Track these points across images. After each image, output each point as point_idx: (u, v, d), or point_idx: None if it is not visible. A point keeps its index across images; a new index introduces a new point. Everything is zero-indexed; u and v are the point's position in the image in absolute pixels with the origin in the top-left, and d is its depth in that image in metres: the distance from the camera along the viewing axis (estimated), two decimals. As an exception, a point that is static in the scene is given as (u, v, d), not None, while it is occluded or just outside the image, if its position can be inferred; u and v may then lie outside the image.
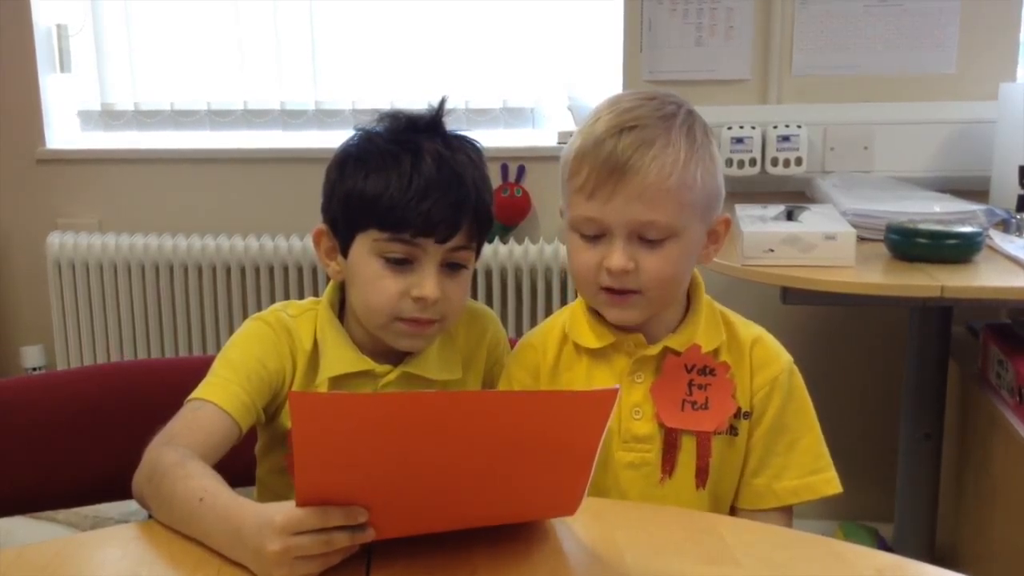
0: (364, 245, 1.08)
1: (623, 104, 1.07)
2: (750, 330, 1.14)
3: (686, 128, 1.05)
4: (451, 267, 1.09)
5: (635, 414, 1.10)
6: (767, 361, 1.12)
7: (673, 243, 1.05)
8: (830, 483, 1.11)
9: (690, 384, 1.09)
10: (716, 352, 1.11)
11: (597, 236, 1.06)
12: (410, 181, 1.04)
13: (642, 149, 1.02)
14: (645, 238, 1.05)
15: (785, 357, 1.13)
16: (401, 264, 1.07)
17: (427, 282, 1.06)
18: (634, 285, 1.06)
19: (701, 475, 1.09)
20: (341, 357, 1.12)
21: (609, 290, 1.07)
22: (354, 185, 1.07)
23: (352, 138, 1.12)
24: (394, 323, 1.08)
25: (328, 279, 1.18)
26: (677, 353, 1.10)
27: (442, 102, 1.11)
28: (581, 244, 1.08)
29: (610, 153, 1.03)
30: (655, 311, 1.09)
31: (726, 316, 1.15)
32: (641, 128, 1.03)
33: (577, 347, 1.14)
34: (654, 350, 1.10)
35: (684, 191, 1.04)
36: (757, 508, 1.11)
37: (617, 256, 1.04)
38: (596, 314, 1.13)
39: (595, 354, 1.13)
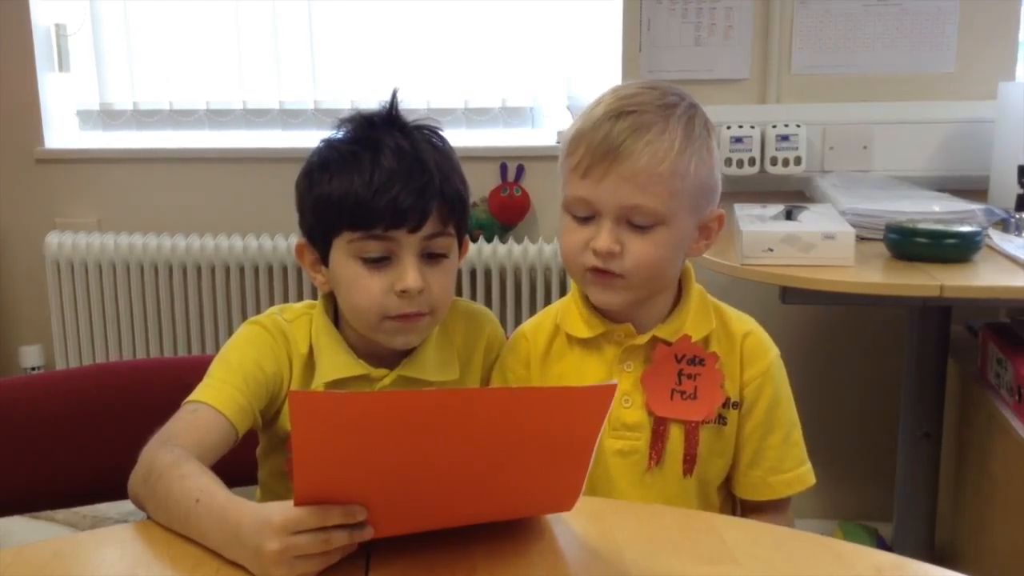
0: (341, 249, 1.08)
1: (624, 91, 1.09)
2: (742, 323, 1.15)
3: (685, 119, 1.06)
4: (431, 257, 1.09)
5: (624, 402, 1.11)
6: (758, 354, 1.13)
7: (661, 230, 1.06)
8: (811, 473, 1.15)
9: (680, 374, 1.10)
10: (706, 341, 1.12)
11: (588, 218, 1.08)
12: (372, 176, 1.05)
13: (638, 133, 1.04)
14: (633, 223, 1.06)
15: (774, 349, 1.15)
16: (379, 262, 1.07)
17: (408, 274, 1.06)
18: (618, 269, 1.07)
19: (688, 463, 1.10)
20: (336, 362, 1.12)
21: (595, 270, 1.08)
22: (321, 191, 1.08)
23: (315, 149, 1.13)
24: (384, 322, 1.08)
25: None
26: (667, 343, 1.11)
27: (394, 94, 1.12)
28: (572, 224, 1.10)
29: (606, 135, 1.05)
30: (638, 297, 1.10)
31: (718, 306, 1.16)
32: (640, 113, 1.05)
33: (569, 338, 1.15)
34: (643, 339, 1.11)
35: (675, 179, 1.05)
36: (755, 499, 1.14)
37: (604, 237, 1.06)
38: (588, 304, 1.14)
39: (586, 344, 1.14)
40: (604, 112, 1.06)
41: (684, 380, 1.10)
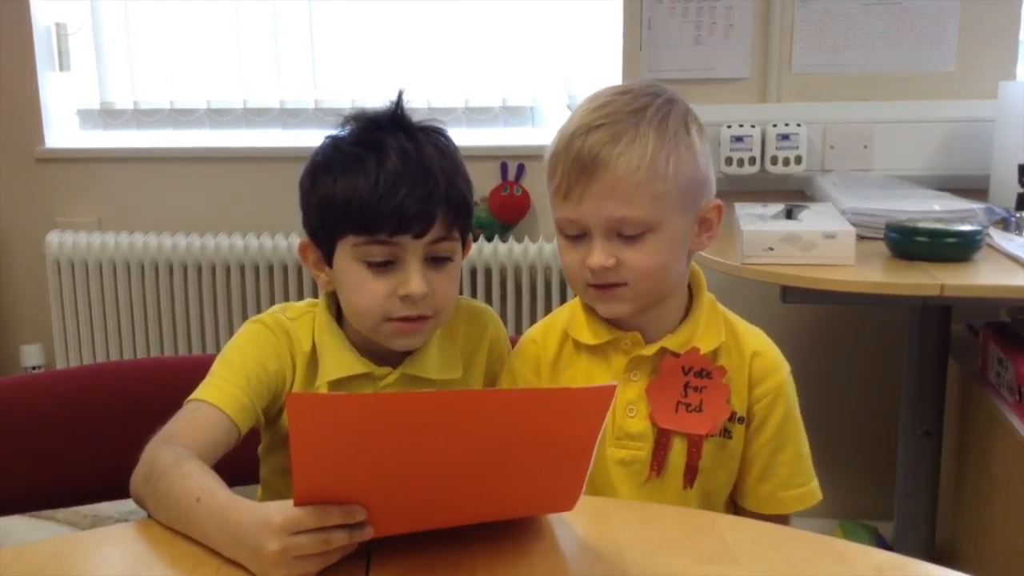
0: (345, 251, 1.08)
1: (596, 101, 1.07)
2: (754, 338, 1.14)
3: (658, 119, 1.05)
4: (435, 261, 1.08)
5: (629, 412, 1.10)
6: (770, 371, 1.12)
7: (652, 237, 1.05)
8: (819, 489, 1.14)
9: (686, 386, 1.09)
10: (715, 353, 1.11)
11: (579, 236, 1.08)
12: (377, 180, 1.04)
13: (609, 146, 1.03)
14: (623, 234, 1.05)
15: (786, 367, 1.13)
16: (384, 266, 1.06)
17: (412, 279, 1.05)
18: (618, 279, 1.06)
19: (689, 475, 1.09)
20: (340, 360, 1.11)
21: (596, 285, 1.08)
22: (325, 192, 1.07)
23: (319, 147, 1.12)
24: (385, 324, 1.08)
25: None
26: (675, 354, 1.10)
27: (400, 95, 1.11)
28: (566, 244, 1.10)
29: (578, 152, 1.04)
30: (646, 303, 1.09)
31: (729, 319, 1.14)
32: (609, 125, 1.04)
33: (577, 344, 1.14)
34: (650, 350, 1.10)
35: (656, 183, 1.03)
36: (763, 512, 1.13)
37: (596, 255, 1.05)
38: (594, 312, 1.13)
39: (594, 351, 1.13)
40: (575, 129, 1.05)
41: (690, 393, 1.09)
